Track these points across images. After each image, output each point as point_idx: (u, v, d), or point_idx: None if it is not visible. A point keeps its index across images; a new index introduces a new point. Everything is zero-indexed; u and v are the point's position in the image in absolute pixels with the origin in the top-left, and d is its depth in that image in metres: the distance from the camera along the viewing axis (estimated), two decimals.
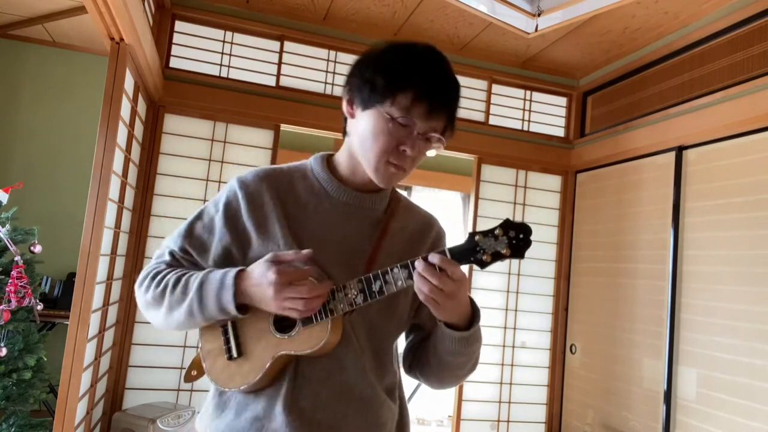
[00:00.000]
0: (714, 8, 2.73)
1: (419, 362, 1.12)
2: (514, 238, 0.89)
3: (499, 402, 3.55)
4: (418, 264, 0.90)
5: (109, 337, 2.74)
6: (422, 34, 3.39)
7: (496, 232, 0.89)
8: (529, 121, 3.74)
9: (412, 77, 0.95)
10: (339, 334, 0.98)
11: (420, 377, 1.14)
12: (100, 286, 2.39)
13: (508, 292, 3.62)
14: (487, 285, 3.57)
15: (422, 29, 3.34)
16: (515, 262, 3.63)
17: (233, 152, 3.16)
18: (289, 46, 3.30)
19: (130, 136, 2.65)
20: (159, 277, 1.04)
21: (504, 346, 3.59)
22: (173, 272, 1.03)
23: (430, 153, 1.02)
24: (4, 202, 2.44)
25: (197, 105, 3.10)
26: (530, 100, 3.75)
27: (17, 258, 2.27)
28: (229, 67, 3.20)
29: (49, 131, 3.88)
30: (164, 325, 1.06)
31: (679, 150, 2.88)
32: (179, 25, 3.14)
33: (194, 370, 1.07)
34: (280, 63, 3.28)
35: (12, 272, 2.24)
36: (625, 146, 3.24)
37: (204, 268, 1.04)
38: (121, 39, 2.26)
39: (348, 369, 1.00)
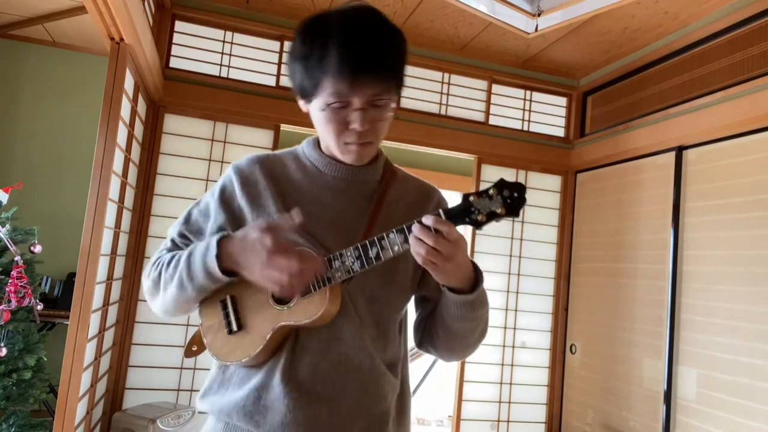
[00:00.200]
0: (714, 8, 2.73)
1: (429, 334, 1.12)
2: (509, 197, 0.88)
3: (499, 402, 3.55)
4: (414, 227, 0.90)
5: (109, 337, 2.74)
6: (422, 34, 3.39)
7: (491, 192, 0.89)
8: (529, 121, 3.74)
9: (326, 62, 0.93)
10: (338, 304, 0.98)
11: (431, 350, 1.14)
12: (100, 286, 2.39)
13: (508, 292, 3.62)
14: (487, 285, 3.55)
15: (422, 29, 3.34)
16: (515, 261, 3.63)
17: (233, 152, 3.15)
18: (289, 46, 3.29)
19: (130, 136, 2.65)
20: (158, 261, 1.07)
21: (504, 346, 3.59)
22: (168, 254, 1.07)
23: (389, 113, 1.01)
24: (4, 202, 2.44)
25: (197, 105, 3.10)
26: (530, 100, 3.75)
27: (17, 258, 2.27)
28: (229, 67, 3.20)
29: (49, 131, 3.88)
30: (164, 307, 1.07)
31: (679, 150, 2.88)
32: (179, 25, 3.14)
33: (195, 345, 1.08)
34: (280, 63, 3.28)
35: (12, 272, 2.24)
36: (625, 146, 3.24)
37: None
38: (121, 39, 2.26)
39: (346, 340, 1.00)
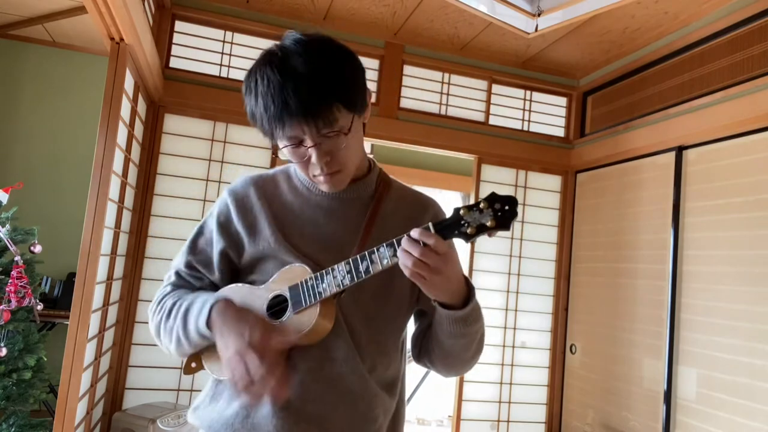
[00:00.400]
0: (714, 8, 2.73)
1: (426, 350, 1.11)
2: (500, 210, 0.88)
3: (499, 402, 3.55)
4: (403, 240, 0.90)
5: (109, 337, 2.74)
6: (422, 34, 3.39)
7: (481, 205, 0.88)
8: (529, 121, 3.74)
9: (264, 114, 0.95)
10: (332, 320, 0.98)
11: (429, 365, 1.14)
12: (100, 286, 2.39)
13: (508, 292, 3.62)
14: (487, 285, 3.57)
15: (422, 29, 3.34)
16: (515, 261, 3.63)
17: (233, 152, 3.15)
18: None
19: (130, 136, 2.65)
20: (162, 302, 1.09)
21: (504, 346, 3.59)
22: (172, 297, 1.08)
23: (349, 139, 0.99)
24: (4, 202, 2.44)
25: (197, 105, 3.10)
26: (530, 100, 3.75)
27: (17, 258, 2.27)
28: (229, 67, 3.20)
29: (49, 131, 3.88)
30: (168, 351, 1.09)
31: (679, 150, 2.88)
32: (179, 25, 3.14)
33: (194, 362, 1.09)
34: None
35: (12, 272, 2.24)
36: (625, 146, 3.24)
37: (211, 281, 1.10)
38: (121, 39, 2.26)
39: (339, 360, 1.00)
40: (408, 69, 3.52)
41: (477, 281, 3.54)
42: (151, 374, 2.95)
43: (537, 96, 3.76)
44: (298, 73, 0.92)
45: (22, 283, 2.25)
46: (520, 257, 3.66)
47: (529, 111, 3.75)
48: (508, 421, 3.55)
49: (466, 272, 0.93)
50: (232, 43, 3.21)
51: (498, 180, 3.64)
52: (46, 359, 2.46)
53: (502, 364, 3.57)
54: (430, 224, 0.91)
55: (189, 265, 1.10)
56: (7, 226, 2.34)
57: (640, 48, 3.24)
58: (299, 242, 1.04)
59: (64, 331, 2.26)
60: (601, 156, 3.45)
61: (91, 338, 2.33)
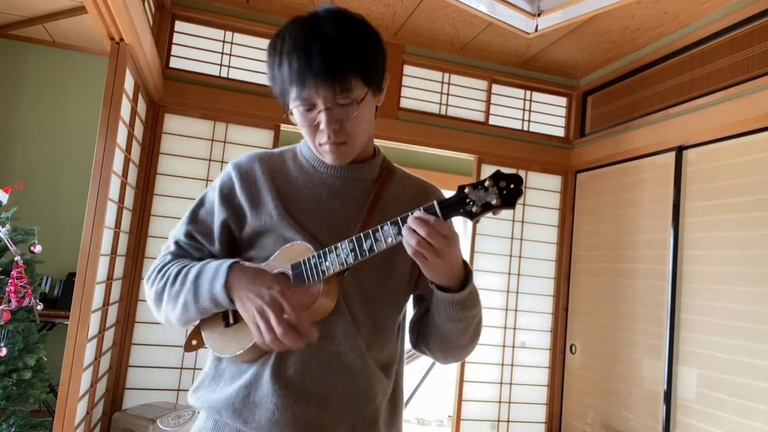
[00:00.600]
0: (714, 8, 2.73)
1: (423, 335, 1.12)
2: (505, 188, 0.87)
3: (499, 402, 3.55)
4: (409, 219, 0.90)
5: (109, 337, 2.74)
6: (422, 34, 3.39)
7: (486, 183, 0.88)
8: (529, 121, 3.74)
9: (285, 70, 0.97)
10: (334, 299, 0.98)
11: (426, 351, 1.14)
12: (100, 286, 2.39)
13: (508, 292, 3.62)
14: (487, 285, 3.57)
15: (422, 29, 3.34)
16: (515, 261, 3.63)
17: (233, 152, 3.15)
18: None
19: (130, 136, 2.65)
20: (163, 270, 1.07)
21: (504, 346, 3.59)
22: (175, 264, 1.06)
23: (360, 111, 0.99)
24: (4, 202, 2.44)
25: (197, 105, 3.10)
26: (530, 100, 3.75)
27: (17, 258, 2.27)
28: (229, 67, 3.21)
29: (49, 131, 3.88)
30: (165, 319, 1.07)
31: (679, 150, 2.88)
32: (179, 25, 3.14)
33: (194, 340, 1.09)
34: None
35: (12, 272, 2.24)
36: (625, 146, 3.24)
37: (210, 252, 1.08)
38: (121, 39, 2.26)
39: (338, 339, 1.00)
40: (408, 69, 3.52)
41: (477, 281, 3.54)
42: (151, 374, 2.95)
43: (537, 96, 3.77)
44: (327, 35, 0.95)
45: (22, 283, 2.25)
46: (520, 257, 3.66)
47: (529, 111, 3.75)
48: (508, 421, 3.55)
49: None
50: (232, 43, 3.21)
51: None
52: (46, 359, 2.46)
53: (502, 364, 3.58)
54: (435, 202, 0.90)
55: (189, 235, 1.09)
56: (7, 226, 2.34)
57: (640, 48, 3.24)
58: (301, 218, 1.04)
59: (64, 331, 2.26)
60: (601, 156, 3.45)
61: (91, 338, 2.33)
